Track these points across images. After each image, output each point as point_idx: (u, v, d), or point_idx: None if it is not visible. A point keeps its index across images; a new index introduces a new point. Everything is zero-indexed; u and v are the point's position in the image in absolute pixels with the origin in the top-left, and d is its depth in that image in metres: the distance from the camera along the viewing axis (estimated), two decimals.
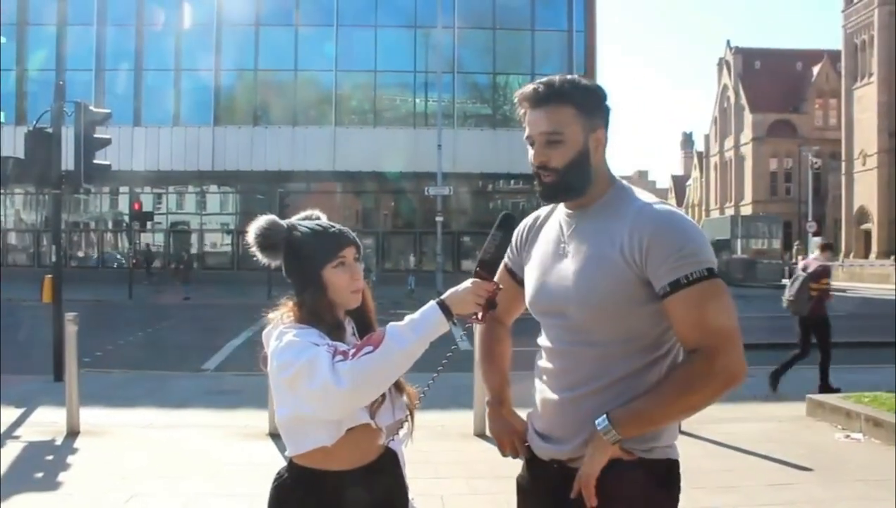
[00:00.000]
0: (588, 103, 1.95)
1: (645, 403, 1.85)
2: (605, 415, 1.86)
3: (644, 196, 1.98)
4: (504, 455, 2.19)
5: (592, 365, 1.92)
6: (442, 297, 1.90)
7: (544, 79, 1.97)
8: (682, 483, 2.00)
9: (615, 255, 1.88)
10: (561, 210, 2.06)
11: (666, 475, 1.95)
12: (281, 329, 1.95)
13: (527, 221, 2.18)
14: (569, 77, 1.98)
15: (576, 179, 1.95)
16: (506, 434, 2.17)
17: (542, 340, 2.06)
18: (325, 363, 1.80)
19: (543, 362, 2.05)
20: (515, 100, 2.01)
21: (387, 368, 1.83)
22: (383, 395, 1.95)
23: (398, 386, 2.05)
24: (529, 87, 1.97)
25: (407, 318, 1.87)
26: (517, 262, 2.17)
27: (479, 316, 1.94)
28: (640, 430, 1.87)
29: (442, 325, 1.86)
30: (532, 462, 2.09)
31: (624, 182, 2.04)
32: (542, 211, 2.17)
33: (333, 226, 2.07)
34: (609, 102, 2.01)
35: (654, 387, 1.87)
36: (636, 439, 1.88)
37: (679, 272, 1.82)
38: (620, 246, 1.87)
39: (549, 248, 2.04)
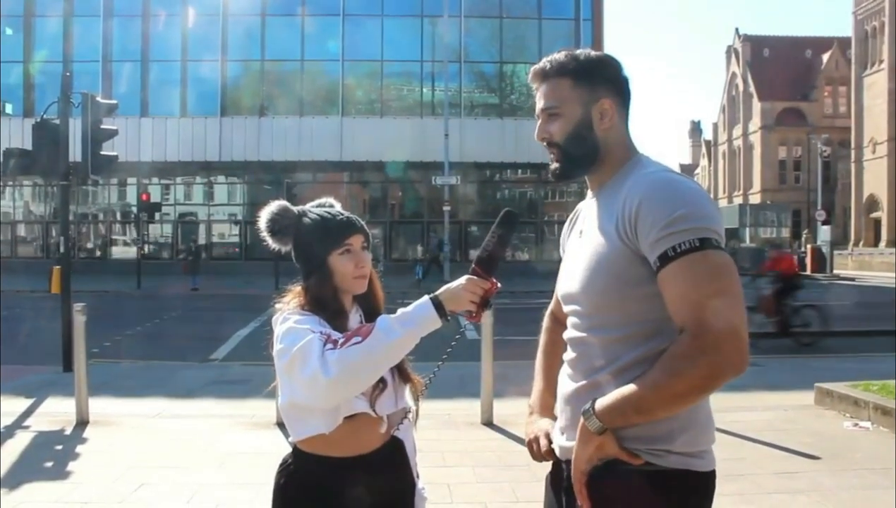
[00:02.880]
0: (587, 74, 1.87)
1: (629, 389, 1.67)
2: (590, 402, 1.73)
3: (654, 165, 1.85)
4: (534, 458, 2.06)
5: (601, 354, 1.79)
6: (436, 293, 1.86)
7: (555, 54, 1.93)
8: None
9: (612, 233, 1.76)
10: (589, 193, 1.98)
11: (678, 488, 1.71)
12: (284, 314, 1.95)
13: (569, 217, 2.11)
14: (576, 51, 1.92)
15: (579, 152, 1.88)
16: (535, 437, 2.04)
17: (566, 331, 1.95)
18: (316, 350, 1.78)
19: (566, 353, 1.94)
20: (530, 77, 1.98)
21: (373, 359, 1.79)
22: (384, 383, 1.94)
23: (403, 375, 2.04)
24: (538, 64, 1.94)
25: (399, 310, 1.85)
26: None
27: (474, 314, 1.91)
28: (624, 419, 1.68)
29: (433, 321, 1.81)
30: (557, 461, 1.98)
31: (646, 155, 1.92)
32: (581, 205, 2.05)
33: (342, 214, 2.08)
34: (622, 72, 1.92)
35: (642, 374, 1.69)
36: (642, 438, 1.71)
37: (667, 243, 1.65)
38: (616, 221, 1.75)
39: (575, 234, 1.99)
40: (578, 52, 1.92)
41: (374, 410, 1.94)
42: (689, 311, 1.63)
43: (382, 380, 1.94)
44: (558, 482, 1.92)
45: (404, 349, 1.83)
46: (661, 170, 1.80)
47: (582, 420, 1.74)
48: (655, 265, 1.68)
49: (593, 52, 1.93)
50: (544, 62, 1.92)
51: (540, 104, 1.91)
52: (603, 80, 1.88)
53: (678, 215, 1.66)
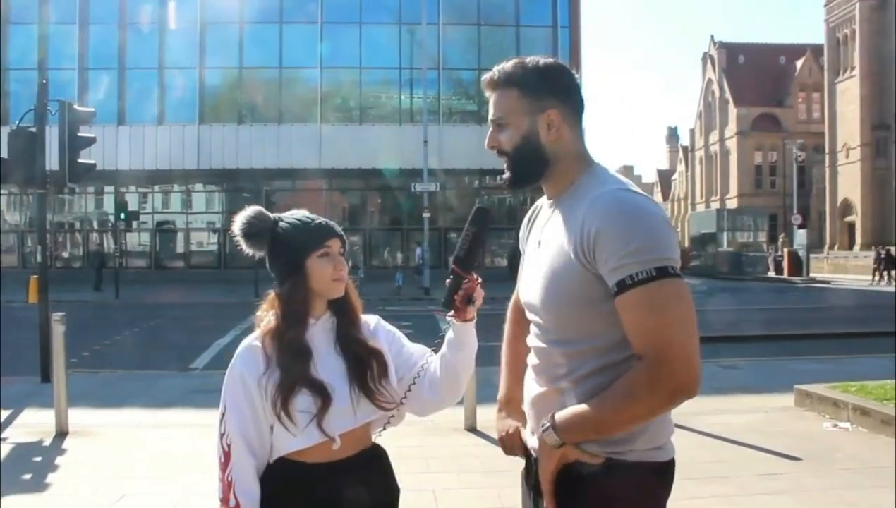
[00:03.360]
0: (533, 84, 1.86)
1: (588, 409, 1.73)
2: (549, 416, 1.78)
3: (611, 181, 1.83)
4: (506, 454, 2.13)
5: (562, 364, 1.83)
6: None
7: (504, 63, 1.93)
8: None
9: (570, 250, 1.77)
10: (545, 199, 2.00)
11: (641, 479, 1.79)
12: (238, 349, 2.05)
13: (528, 214, 2.13)
14: (525, 59, 1.90)
15: (526, 163, 1.89)
16: (506, 433, 2.10)
17: (529, 336, 1.99)
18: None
19: (530, 358, 1.98)
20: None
21: None
22: (327, 403, 1.94)
23: (365, 390, 2.01)
24: (487, 74, 1.94)
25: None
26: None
27: (458, 311, 1.93)
28: (583, 436, 1.75)
29: None
30: (529, 456, 2.03)
31: (602, 166, 1.91)
32: (540, 201, 2.06)
33: (319, 219, 2.08)
34: (573, 80, 1.91)
35: (600, 394, 1.74)
36: (607, 442, 1.76)
37: (625, 271, 1.67)
38: (574, 239, 1.76)
39: (533, 241, 1.99)
40: (528, 60, 1.90)
41: (323, 431, 1.93)
42: (645, 340, 1.68)
43: (325, 399, 1.93)
44: (529, 476, 1.98)
45: None
46: (619, 190, 1.79)
47: (541, 434, 1.80)
48: (613, 290, 1.71)
49: (543, 60, 1.91)
50: (494, 71, 1.92)
51: (490, 114, 1.93)
52: (550, 90, 1.87)
53: (636, 246, 1.68)
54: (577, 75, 1.94)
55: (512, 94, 1.88)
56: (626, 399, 1.69)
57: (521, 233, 2.13)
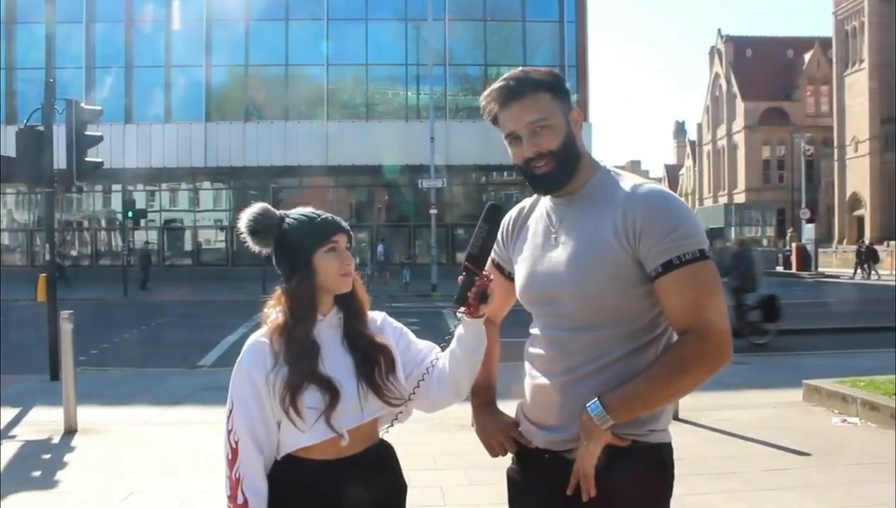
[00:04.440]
0: (557, 85, 1.97)
1: (637, 386, 1.82)
2: (596, 400, 1.83)
3: (632, 178, 1.97)
4: (494, 455, 2.15)
5: (587, 350, 1.89)
6: None
7: (507, 74, 1.97)
8: (682, 471, 1.99)
9: (609, 238, 1.87)
10: (546, 199, 2.04)
11: (662, 458, 1.92)
12: (246, 346, 2.05)
13: (511, 214, 2.16)
14: (534, 68, 1.99)
15: (570, 161, 1.95)
16: (494, 434, 2.14)
17: (534, 329, 2.04)
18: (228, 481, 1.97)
19: (536, 349, 2.02)
20: (482, 103, 2.00)
21: None
22: (335, 399, 1.94)
23: (373, 385, 2.01)
24: (497, 85, 1.96)
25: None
26: (504, 257, 2.15)
27: (472, 308, 1.94)
28: (632, 414, 1.83)
29: None
30: (522, 454, 2.06)
31: (610, 166, 2.04)
32: (527, 202, 2.15)
33: (325, 214, 2.08)
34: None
35: (646, 370, 1.84)
36: (632, 423, 1.85)
37: (672, 253, 1.82)
38: (614, 228, 1.86)
39: (538, 239, 2.02)
40: (538, 69, 1.99)
41: (331, 427, 1.94)
42: (692, 315, 1.82)
43: (333, 395, 1.94)
44: (535, 473, 2.01)
45: None
46: (649, 183, 1.94)
47: (592, 418, 1.82)
48: (656, 271, 1.83)
49: (542, 69, 2.01)
50: (509, 81, 1.94)
51: (525, 119, 1.92)
52: (567, 91, 1.99)
53: (683, 230, 1.84)
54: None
55: (545, 97, 1.93)
56: (678, 372, 1.82)
57: (505, 234, 2.14)
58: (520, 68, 2.00)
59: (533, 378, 2.01)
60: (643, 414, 1.86)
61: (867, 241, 35.57)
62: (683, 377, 1.82)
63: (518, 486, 2.07)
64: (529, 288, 2.03)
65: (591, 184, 1.97)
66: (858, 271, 33.60)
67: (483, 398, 2.21)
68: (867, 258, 33.64)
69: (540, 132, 1.93)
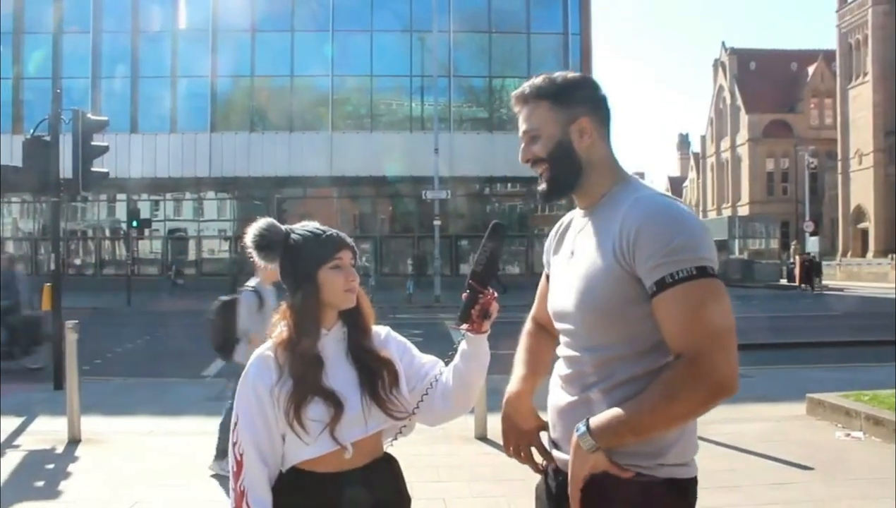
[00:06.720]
0: (563, 94, 1.91)
1: (624, 410, 1.71)
2: (584, 421, 1.76)
3: (641, 188, 1.89)
4: (508, 455, 2.11)
5: (597, 370, 1.83)
6: None
7: (533, 78, 1.98)
8: None
9: (609, 254, 1.79)
10: (577, 211, 2.02)
11: (666, 495, 1.78)
12: (251, 359, 2.06)
13: (556, 226, 2.13)
14: (553, 74, 1.96)
15: (561, 168, 1.92)
16: (513, 431, 2.08)
17: (559, 347, 2.00)
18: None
19: (558, 368, 1.98)
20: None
21: None
22: (339, 413, 1.95)
23: (376, 399, 2.03)
24: (517, 90, 1.99)
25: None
26: (550, 269, 2.13)
27: (474, 324, 1.96)
28: (619, 439, 1.72)
29: None
30: (550, 472, 2.00)
31: (635, 177, 1.96)
32: (570, 214, 2.08)
33: (330, 230, 2.10)
34: (599, 91, 1.96)
35: (636, 395, 1.73)
36: (637, 454, 1.75)
37: (665, 270, 1.69)
38: (613, 243, 1.78)
39: (564, 252, 2.01)
40: (556, 74, 1.96)
41: (335, 440, 1.95)
42: (684, 338, 1.69)
43: (338, 408, 1.95)
44: (554, 493, 1.95)
45: None
46: (657, 195, 1.84)
47: (576, 438, 1.77)
48: (651, 289, 1.72)
49: (571, 74, 1.98)
50: (524, 86, 1.97)
51: (522, 127, 1.96)
52: (579, 99, 1.93)
53: (677, 244, 1.70)
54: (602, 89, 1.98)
55: (543, 106, 1.92)
56: (665, 398, 1.68)
57: (548, 246, 2.14)
58: (552, 73, 1.97)
59: (552, 395, 1.99)
60: (632, 440, 1.73)
61: (811, 255, 36.14)
62: (672, 404, 1.68)
63: (540, 504, 2.04)
64: (551, 305, 2.03)
65: (608, 196, 1.91)
66: (803, 285, 34.15)
67: (518, 378, 2.13)
68: (809, 271, 34.27)
69: (531, 141, 1.94)
